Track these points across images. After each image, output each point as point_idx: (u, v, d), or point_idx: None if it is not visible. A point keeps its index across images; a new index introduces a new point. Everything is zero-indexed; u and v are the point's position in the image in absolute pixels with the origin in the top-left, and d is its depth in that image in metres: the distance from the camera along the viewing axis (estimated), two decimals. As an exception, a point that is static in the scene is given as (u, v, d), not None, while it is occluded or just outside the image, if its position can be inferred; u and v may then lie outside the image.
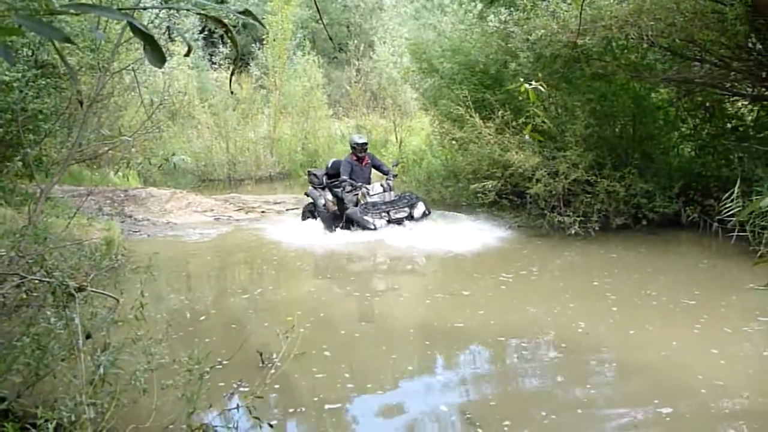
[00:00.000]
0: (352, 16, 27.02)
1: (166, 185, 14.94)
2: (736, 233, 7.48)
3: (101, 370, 3.12)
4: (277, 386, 4.21)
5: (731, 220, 7.49)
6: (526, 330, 5.52)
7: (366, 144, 9.96)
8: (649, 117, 9.39)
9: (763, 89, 8.60)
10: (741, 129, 9.46)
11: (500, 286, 6.88)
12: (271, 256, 8.69)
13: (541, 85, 2.94)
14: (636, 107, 9.22)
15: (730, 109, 9.69)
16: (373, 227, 8.90)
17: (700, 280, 6.72)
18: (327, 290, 6.99)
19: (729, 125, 9.57)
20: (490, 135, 9.40)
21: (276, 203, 13.29)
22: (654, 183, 8.78)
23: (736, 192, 7.63)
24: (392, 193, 9.62)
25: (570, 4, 8.11)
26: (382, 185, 9.57)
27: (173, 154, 5.55)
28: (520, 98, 10.10)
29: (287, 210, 12.47)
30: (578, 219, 8.62)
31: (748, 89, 8.87)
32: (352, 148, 9.87)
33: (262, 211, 12.41)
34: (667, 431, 3.66)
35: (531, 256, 8.09)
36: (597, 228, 8.56)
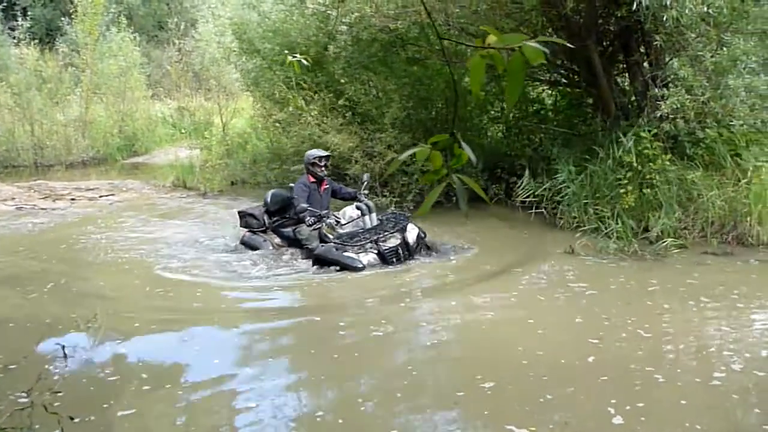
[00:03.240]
0: (172, -7, 25.75)
1: (-42, 173, 13.39)
2: (534, 209, 8.19)
3: None
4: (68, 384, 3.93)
5: (527, 196, 8.23)
6: (345, 312, 5.44)
7: (329, 158, 7.50)
8: (461, 100, 9.89)
9: (558, 76, 9.40)
10: (542, 112, 10.30)
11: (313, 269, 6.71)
12: (64, 248, 7.94)
13: (305, 58, 3.00)
14: (449, 91, 9.65)
15: (532, 93, 10.47)
16: (360, 266, 6.52)
17: (508, 251, 7.07)
18: (121, 283, 6.46)
19: (531, 109, 10.36)
20: (311, 117, 9.43)
21: (89, 190, 12.40)
22: (465, 163, 9.28)
23: (526, 174, 8.43)
24: (374, 215, 7.14)
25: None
26: (358, 207, 7.10)
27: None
28: (342, 81, 10.26)
29: (101, 197, 11.69)
30: (395, 199, 8.92)
31: (546, 76, 9.65)
32: (311, 165, 7.17)
33: (72, 199, 11.53)
34: (490, 405, 3.62)
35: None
36: (412, 207, 8.89)
